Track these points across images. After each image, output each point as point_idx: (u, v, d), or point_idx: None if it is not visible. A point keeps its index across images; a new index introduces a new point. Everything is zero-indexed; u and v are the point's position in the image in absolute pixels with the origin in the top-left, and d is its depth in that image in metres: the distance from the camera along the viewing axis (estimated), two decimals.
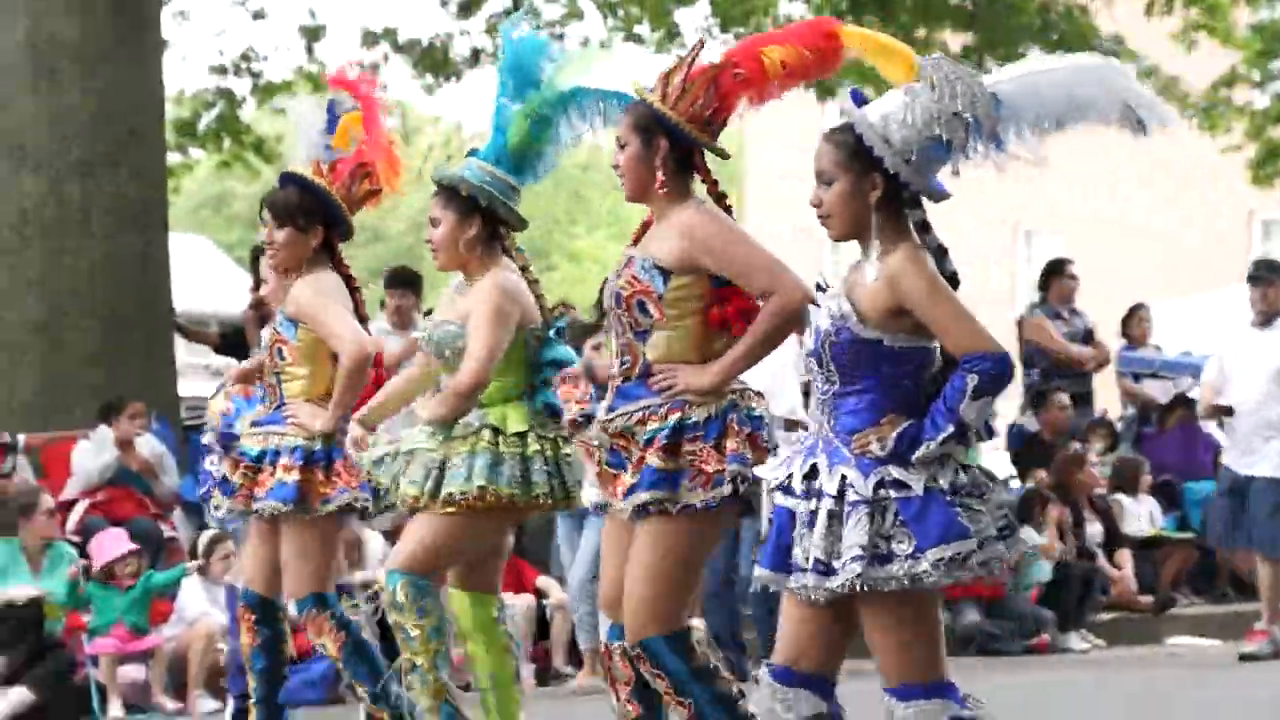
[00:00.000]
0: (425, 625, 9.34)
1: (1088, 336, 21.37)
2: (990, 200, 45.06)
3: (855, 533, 6.56)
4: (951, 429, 6.56)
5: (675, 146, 7.73)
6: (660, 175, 7.75)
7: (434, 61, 25.33)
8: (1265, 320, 16.25)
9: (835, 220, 6.80)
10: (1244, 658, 16.37)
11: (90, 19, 19.38)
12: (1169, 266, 42.69)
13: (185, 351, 22.19)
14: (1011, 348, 21.50)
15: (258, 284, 19.55)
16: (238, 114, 24.85)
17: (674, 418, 7.72)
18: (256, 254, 20.47)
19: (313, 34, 25.09)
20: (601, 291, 8.46)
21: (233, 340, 20.14)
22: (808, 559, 6.65)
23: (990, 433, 6.42)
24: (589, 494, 8.83)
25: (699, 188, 8.10)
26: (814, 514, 6.69)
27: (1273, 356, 16.05)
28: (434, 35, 25.39)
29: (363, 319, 10.23)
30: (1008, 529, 6.74)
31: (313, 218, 10.13)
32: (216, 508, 10.91)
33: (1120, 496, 20.74)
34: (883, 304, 6.66)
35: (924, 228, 6.83)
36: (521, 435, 9.13)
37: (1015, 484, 20.49)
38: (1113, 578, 20.01)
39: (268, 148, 25.66)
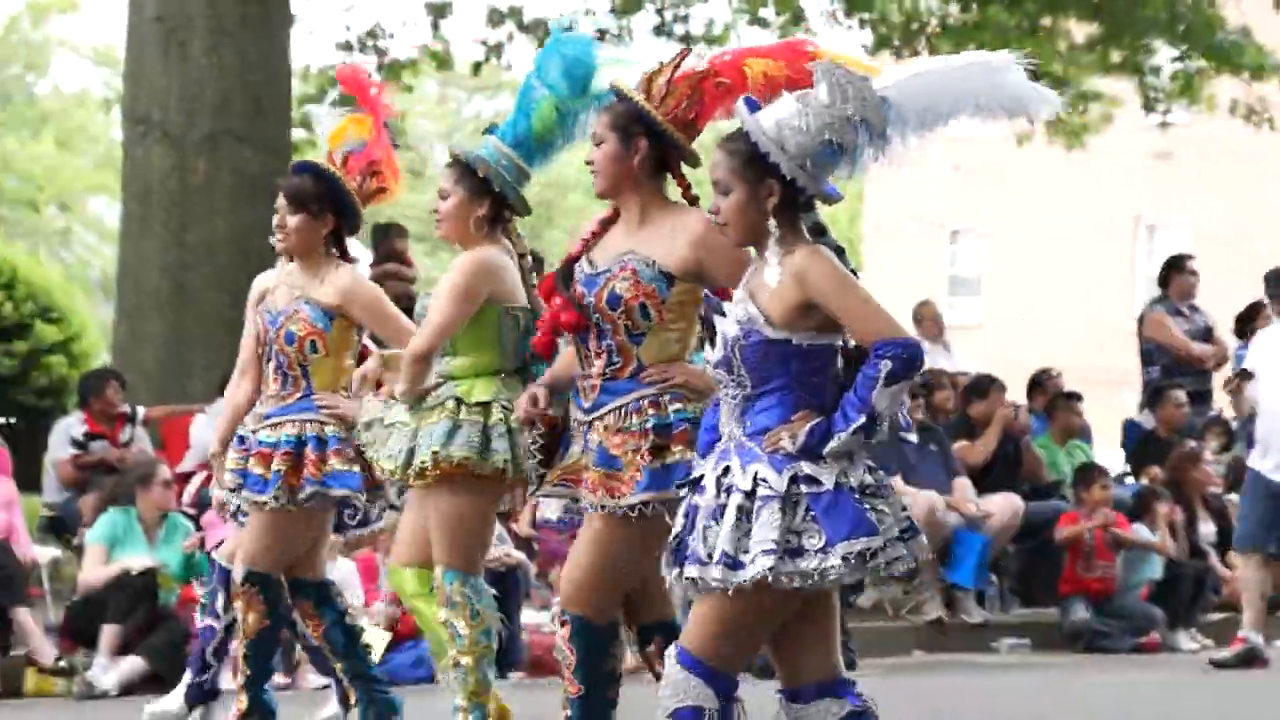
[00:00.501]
0: (477, 627, 9.43)
1: (1207, 334, 21.25)
2: (1111, 193, 44.99)
3: (766, 527, 6.59)
4: (863, 419, 6.61)
5: (654, 147, 7.77)
6: (638, 174, 7.84)
7: None
8: None
9: (733, 228, 6.87)
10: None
11: None
12: None
13: None
14: (1131, 344, 21.38)
15: (382, 259, 19.71)
16: None
17: (674, 409, 7.91)
18: (378, 231, 20.61)
19: (439, 11, 25.18)
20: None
21: None
22: (712, 552, 6.67)
23: (907, 426, 6.41)
24: (547, 507, 8.94)
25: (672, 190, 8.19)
26: (722, 508, 6.70)
27: None
28: (559, 15, 25.42)
29: None
30: (909, 531, 6.76)
31: (325, 206, 10.21)
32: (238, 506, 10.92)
33: (1235, 496, 20.45)
34: (791, 302, 6.70)
35: (818, 230, 6.86)
36: (485, 405, 9.12)
37: (1129, 481, 20.41)
38: (1225, 578, 19.69)
39: (392, 126, 25.74)
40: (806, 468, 6.63)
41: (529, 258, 9.62)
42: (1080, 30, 24.78)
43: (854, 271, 6.81)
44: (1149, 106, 26.14)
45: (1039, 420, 20.80)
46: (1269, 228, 43.94)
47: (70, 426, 18.01)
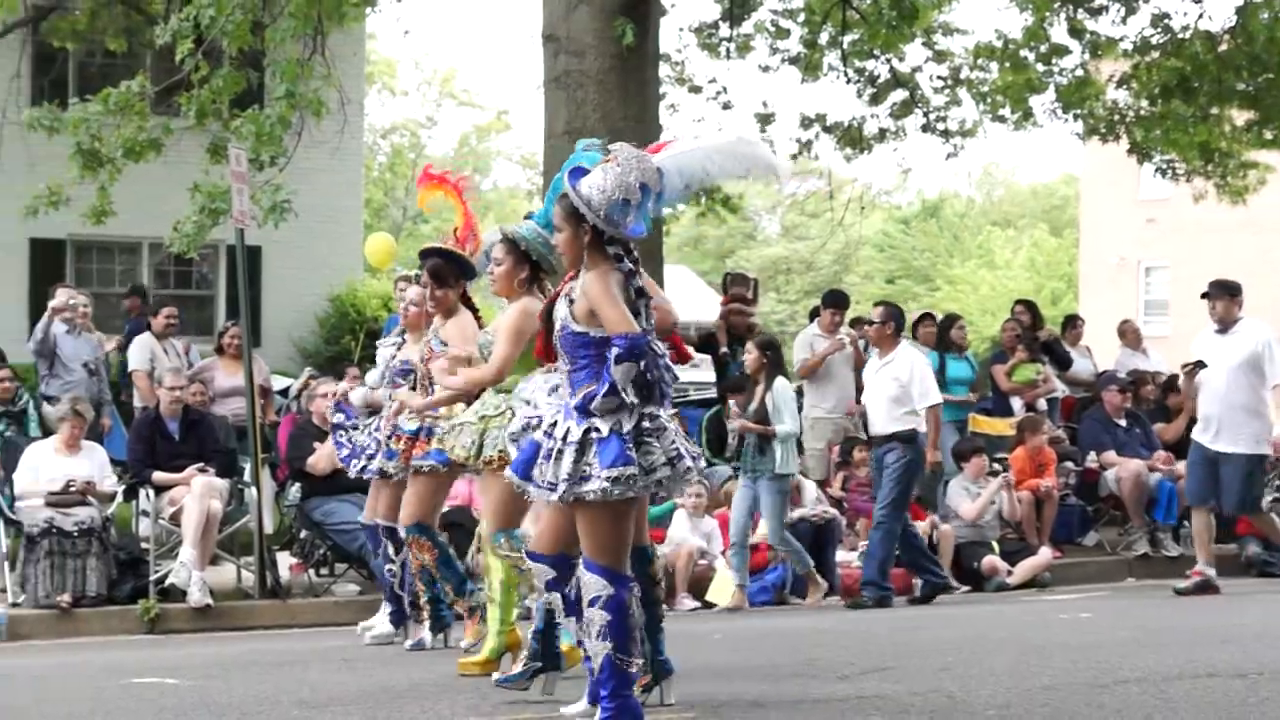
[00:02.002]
0: (515, 580, 9.55)
1: None
2: (1265, 235, 43.87)
3: (566, 464, 7.15)
4: (606, 387, 7.09)
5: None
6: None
7: (851, 138, 25.23)
8: (1223, 328, 15.35)
9: (565, 255, 7.54)
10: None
11: (608, 111, 19.57)
12: None
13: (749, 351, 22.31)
14: None
15: (731, 299, 19.66)
16: None
17: None
18: (725, 279, 20.58)
19: (765, 119, 25.14)
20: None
21: (705, 342, 20.18)
22: (553, 479, 7.18)
23: (663, 395, 6.93)
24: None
25: None
26: (557, 451, 7.20)
27: (1233, 355, 15.16)
28: (852, 118, 25.29)
29: None
30: (677, 458, 7.23)
31: (458, 275, 10.79)
32: (363, 468, 11.67)
33: None
34: (584, 308, 7.27)
35: (619, 258, 7.33)
36: None
37: None
38: None
39: (732, 203, 25.75)
40: (597, 422, 7.14)
41: None
42: (1241, 115, 24.14)
43: (640, 290, 7.34)
44: None
45: None
46: None
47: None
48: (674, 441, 7.27)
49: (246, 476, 15.71)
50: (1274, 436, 15.91)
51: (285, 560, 15.73)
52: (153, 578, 14.92)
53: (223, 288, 26.37)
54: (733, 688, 8.64)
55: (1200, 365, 15.29)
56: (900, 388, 15.11)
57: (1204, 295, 15.55)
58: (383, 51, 54.80)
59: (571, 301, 7.35)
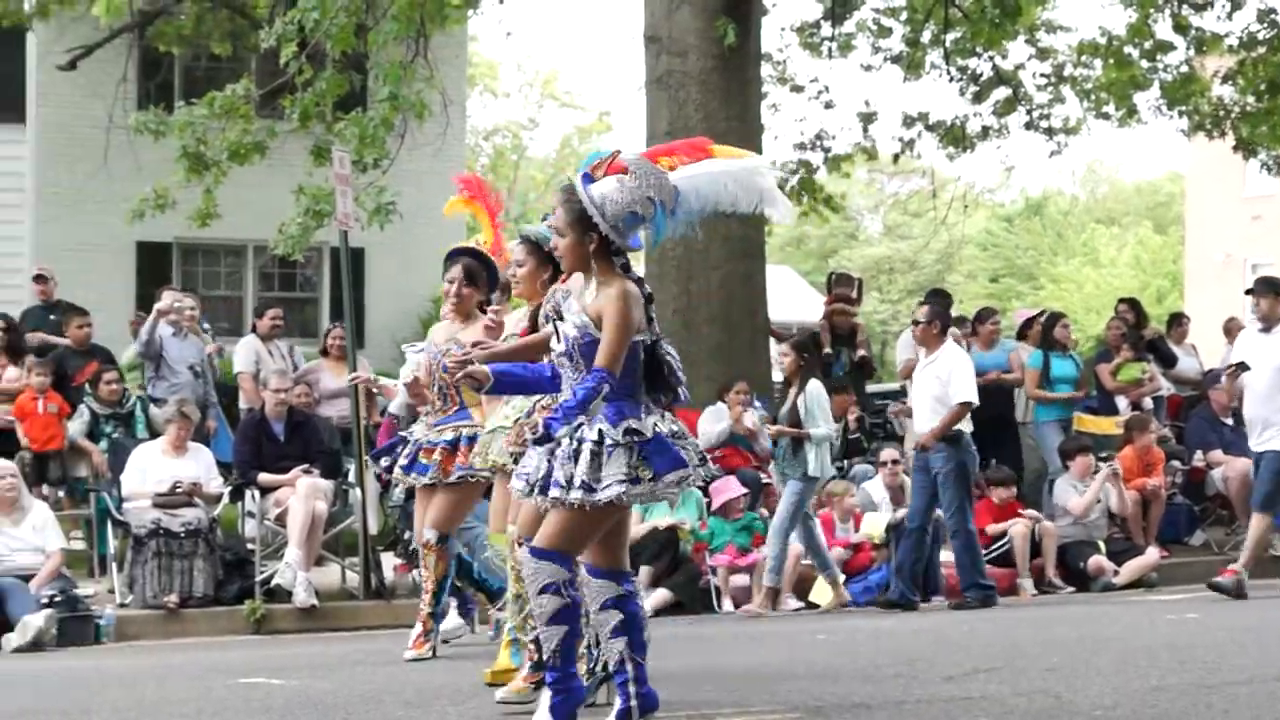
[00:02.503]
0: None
1: None
2: None
3: (616, 464, 7.01)
4: (577, 404, 7.03)
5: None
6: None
7: (954, 136, 25.09)
8: (1266, 327, 15.01)
9: (566, 260, 7.36)
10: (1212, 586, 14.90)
11: (710, 112, 19.60)
12: None
13: (776, 348, 22.26)
14: None
15: (835, 299, 19.59)
16: (813, 178, 24.87)
17: None
18: (829, 279, 20.53)
19: (868, 118, 25.04)
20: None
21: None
22: (571, 480, 7.03)
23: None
24: None
25: None
26: (576, 452, 7.05)
27: (1275, 355, 14.81)
28: (954, 116, 25.15)
29: None
30: (703, 459, 7.29)
31: (486, 280, 10.65)
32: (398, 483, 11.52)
33: None
34: (597, 314, 7.15)
35: (625, 268, 7.29)
36: None
37: None
38: None
39: (834, 202, 25.68)
40: (633, 423, 7.09)
41: None
42: None
43: (649, 296, 7.32)
44: None
45: None
46: None
47: None
48: (696, 442, 7.40)
49: (351, 477, 15.80)
50: None
51: (390, 561, 15.81)
52: (258, 578, 15.03)
53: (326, 289, 26.53)
54: (836, 689, 8.60)
55: (1243, 367, 15.02)
56: (943, 386, 14.90)
57: (1248, 291, 15.32)
58: (485, 53, 54.96)
59: (584, 309, 7.22)
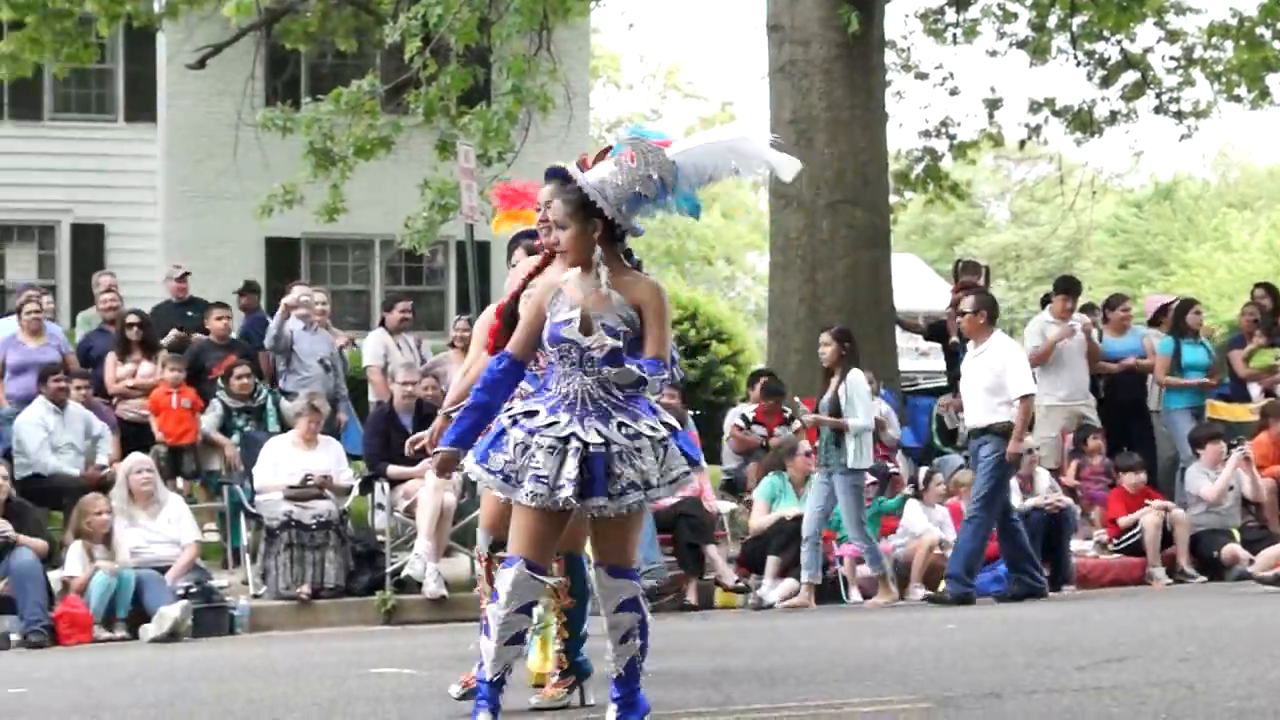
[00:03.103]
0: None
1: None
2: None
3: (675, 458, 6.76)
4: (635, 378, 6.63)
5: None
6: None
7: (1081, 121, 24.87)
8: None
9: (570, 254, 6.87)
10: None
11: (834, 100, 19.56)
12: None
13: (902, 338, 22.19)
14: None
15: (961, 287, 19.46)
16: (938, 165, 24.77)
17: None
18: (956, 267, 20.42)
19: (993, 104, 24.86)
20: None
21: (937, 330, 20.07)
22: (649, 479, 6.70)
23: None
24: None
25: None
26: (636, 450, 6.70)
27: None
28: (1081, 101, 24.94)
29: None
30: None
31: None
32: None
33: None
34: (639, 309, 6.79)
35: (629, 254, 6.95)
36: None
37: None
38: None
39: (960, 190, 25.53)
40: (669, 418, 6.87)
41: None
42: None
43: None
44: None
45: None
46: None
47: (738, 414, 18.20)
48: None
49: None
50: None
51: None
52: (389, 569, 15.16)
53: (453, 283, 26.66)
54: (967, 678, 8.56)
55: None
56: (995, 377, 14.62)
57: None
58: (607, 46, 55.08)
59: (604, 300, 6.78)
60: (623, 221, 6.82)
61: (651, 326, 6.78)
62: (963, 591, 14.55)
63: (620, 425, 6.71)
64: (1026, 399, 14.62)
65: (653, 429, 6.75)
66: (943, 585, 14.82)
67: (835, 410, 14.81)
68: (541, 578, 6.83)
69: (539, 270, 7.40)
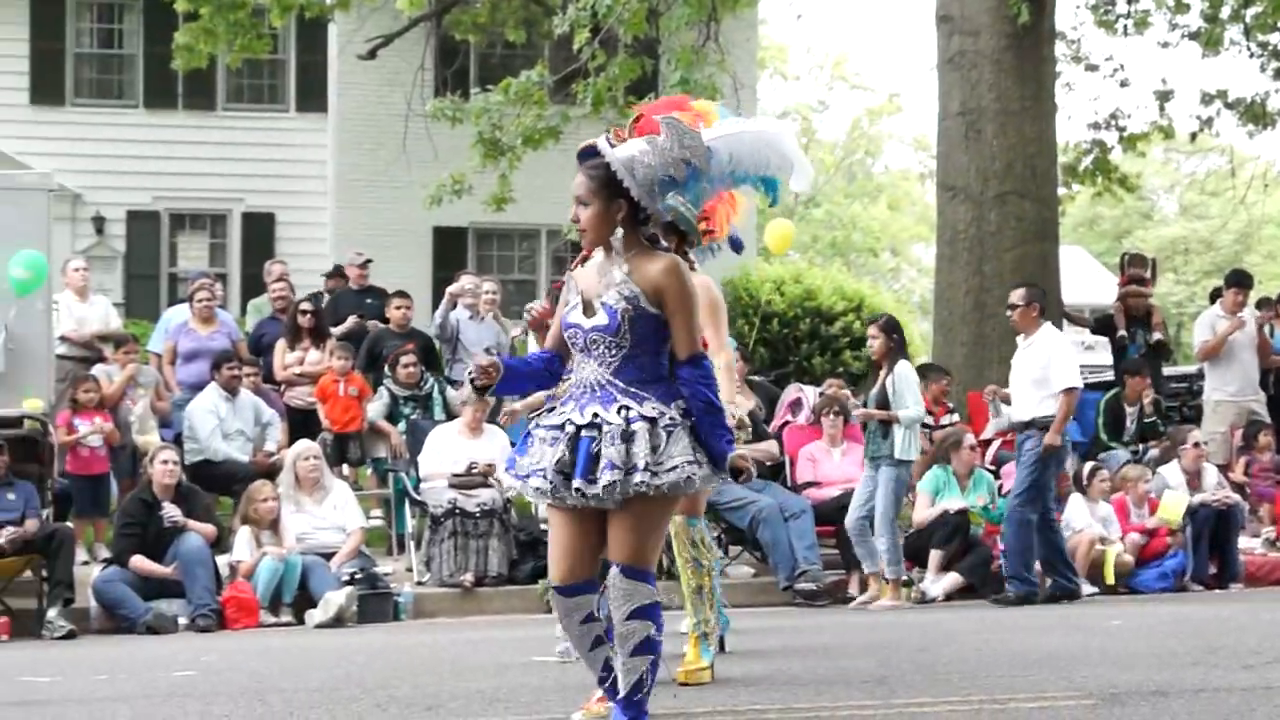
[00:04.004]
0: (711, 557, 9.07)
1: None
2: None
3: (679, 445, 6.30)
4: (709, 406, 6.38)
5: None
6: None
7: (1254, 114, 24.47)
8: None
9: (590, 233, 6.52)
10: None
11: (1003, 91, 19.42)
12: None
13: (1068, 331, 21.97)
14: None
15: (1129, 280, 19.23)
16: (1108, 158, 24.48)
17: None
18: (1122, 260, 20.18)
19: (1164, 96, 24.55)
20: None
21: (1104, 323, 19.83)
22: (636, 463, 6.23)
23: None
24: None
25: None
26: (629, 433, 6.28)
27: None
28: (1254, 93, 24.53)
29: None
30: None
31: None
32: None
33: None
34: (649, 288, 6.37)
35: (654, 240, 6.54)
36: None
37: None
38: None
39: (1129, 182, 25.23)
40: (681, 404, 6.34)
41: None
42: None
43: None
44: None
45: None
46: None
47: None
48: None
49: None
50: None
51: None
52: None
53: None
54: (1133, 676, 8.45)
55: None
56: (1041, 370, 14.38)
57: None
58: (774, 37, 54.98)
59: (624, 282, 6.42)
60: (649, 204, 6.46)
61: (676, 315, 6.40)
62: (1027, 590, 14.38)
63: (622, 409, 6.32)
64: (1070, 392, 14.36)
65: (658, 412, 6.31)
66: (1006, 586, 14.60)
67: (884, 403, 14.57)
68: (582, 590, 6.60)
69: (583, 261, 6.93)
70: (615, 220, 6.45)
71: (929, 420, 17.41)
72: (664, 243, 6.67)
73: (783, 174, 6.80)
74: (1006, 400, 15.27)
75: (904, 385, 14.56)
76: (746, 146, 6.70)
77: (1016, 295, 14.94)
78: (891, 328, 14.83)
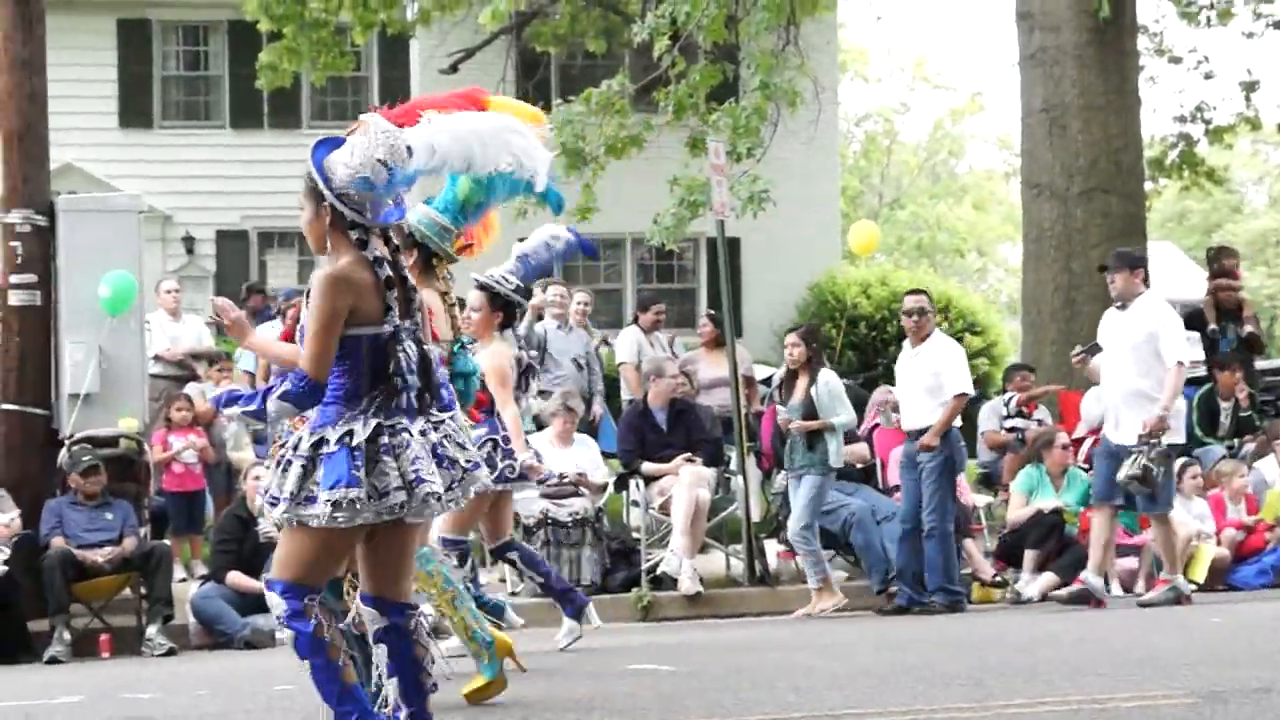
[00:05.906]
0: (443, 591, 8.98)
1: None
2: None
3: (291, 479, 6.19)
4: (256, 407, 6.37)
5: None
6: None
7: None
8: (1123, 304, 13.56)
9: (310, 237, 6.47)
10: (1143, 605, 13.42)
11: (1086, 87, 19.31)
12: None
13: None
14: None
15: (1217, 274, 19.06)
16: (1194, 151, 24.29)
17: None
18: (1209, 254, 20.02)
19: (1250, 87, 24.32)
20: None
21: (1194, 318, 19.64)
22: (276, 494, 6.20)
23: (425, 402, 5.85)
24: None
25: None
26: (286, 462, 6.21)
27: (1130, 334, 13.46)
28: None
29: None
30: (416, 482, 6.16)
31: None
32: None
33: None
34: None
35: (361, 244, 6.31)
36: None
37: None
38: None
39: (1216, 175, 25.00)
40: (327, 432, 6.17)
41: (450, 294, 8.98)
42: None
43: (388, 281, 6.29)
44: None
45: None
46: None
47: (996, 407, 18.00)
48: (415, 460, 6.19)
49: (733, 465, 15.87)
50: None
51: (773, 547, 15.84)
52: (644, 566, 15.20)
53: (704, 281, 26.72)
54: (1235, 673, 8.35)
55: (1095, 349, 13.95)
56: (934, 377, 14.17)
57: (1101, 268, 14.28)
58: (854, 39, 54.82)
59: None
60: (344, 208, 6.31)
61: (305, 330, 6.28)
62: (952, 599, 14.16)
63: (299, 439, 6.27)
64: (960, 398, 14.22)
65: (299, 442, 6.23)
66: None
67: (810, 413, 14.28)
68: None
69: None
70: (324, 225, 6.41)
71: (1018, 423, 17.30)
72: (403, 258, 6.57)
73: (525, 173, 6.55)
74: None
75: (831, 394, 14.36)
76: (454, 141, 6.33)
77: (909, 301, 14.65)
78: (810, 336, 14.70)
